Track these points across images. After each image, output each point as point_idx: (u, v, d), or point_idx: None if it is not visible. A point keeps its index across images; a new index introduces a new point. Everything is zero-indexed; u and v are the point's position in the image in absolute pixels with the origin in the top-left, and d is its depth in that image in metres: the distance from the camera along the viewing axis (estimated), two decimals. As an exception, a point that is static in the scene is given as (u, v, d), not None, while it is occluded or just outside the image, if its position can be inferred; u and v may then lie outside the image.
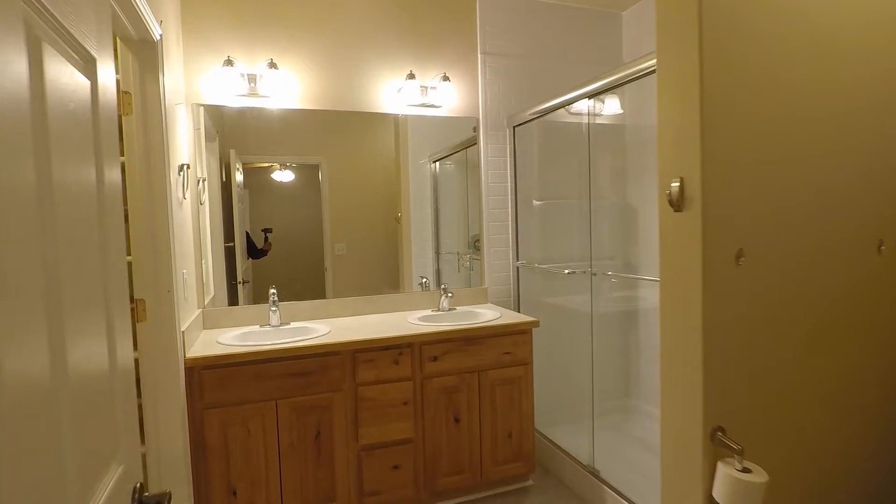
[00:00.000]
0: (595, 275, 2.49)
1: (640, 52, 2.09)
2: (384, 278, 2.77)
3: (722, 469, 1.36)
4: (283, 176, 2.60)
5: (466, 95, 2.86)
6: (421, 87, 2.71)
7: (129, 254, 1.77)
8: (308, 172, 2.64)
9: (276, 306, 2.40)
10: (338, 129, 2.65)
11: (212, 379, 1.95)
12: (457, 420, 2.32)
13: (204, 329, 2.38)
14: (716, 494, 1.37)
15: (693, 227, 1.37)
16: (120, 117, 1.76)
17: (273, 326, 2.39)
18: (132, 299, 1.77)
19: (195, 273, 2.34)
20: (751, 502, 1.32)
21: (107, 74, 0.86)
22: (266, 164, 2.57)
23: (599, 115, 2.98)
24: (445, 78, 2.70)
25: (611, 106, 2.99)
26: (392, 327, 2.34)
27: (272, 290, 2.41)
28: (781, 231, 1.48)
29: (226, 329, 2.38)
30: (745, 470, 1.34)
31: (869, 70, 1.61)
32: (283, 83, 2.46)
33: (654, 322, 3.06)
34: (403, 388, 2.21)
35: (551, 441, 2.72)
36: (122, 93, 1.72)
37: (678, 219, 1.42)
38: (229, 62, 2.34)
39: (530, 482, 2.53)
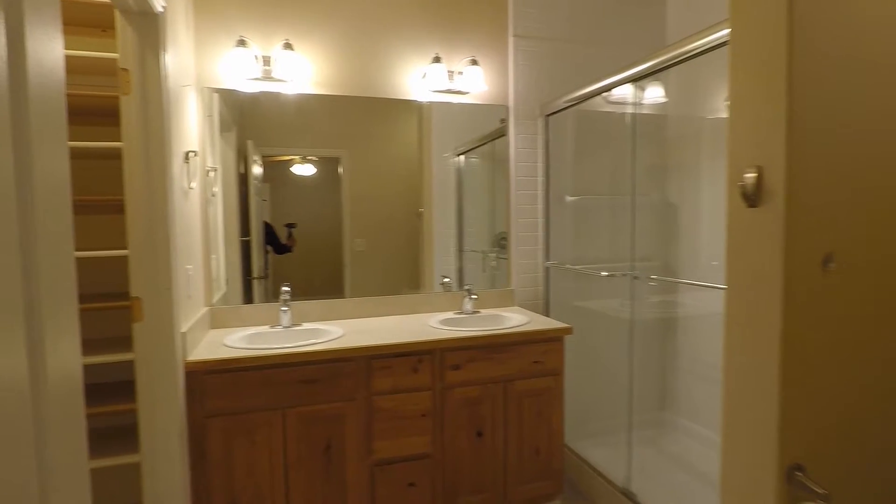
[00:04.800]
0: (637, 278, 2.26)
1: (685, 34, 1.88)
2: (404, 277, 2.59)
3: (802, 517, 1.14)
4: (304, 169, 2.45)
5: (496, 81, 2.65)
6: (448, 71, 2.51)
7: (125, 248, 1.62)
8: (328, 165, 2.48)
9: (288, 306, 2.24)
10: (359, 119, 2.48)
11: (215, 385, 1.80)
12: (480, 434, 2.12)
13: (211, 329, 2.24)
14: (793, 546, 1.14)
15: (772, 225, 1.15)
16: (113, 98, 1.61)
17: (284, 327, 2.23)
18: (128, 298, 1.62)
19: (202, 268, 2.19)
20: (839, 560, 1.09)
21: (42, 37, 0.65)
22: (286, 157, 2.42)
23: (640, 104, 2.74)
24: (474, 62, 2.49)
25: (651, 94, 2.74)
26: (411, 331, 2.15)
27: (284, 288, 2.25)
28: (877, 233, 1.24)
29: (234, 329, 2.23)
30: (832, 520, 1.11)
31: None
32: (299, 66, 2.29)
33: (693, 330, 2.81)
34: (422, 398, 2.03)
35: (581, 457, 2.50)
36: (119, 69, 1.57)
37: (753, 216, 1.19)
38: (242, 43, 2.18)
39: (557, 503, 2.32)
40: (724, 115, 2.71)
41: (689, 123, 2.80)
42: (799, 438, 1.20)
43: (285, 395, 1.87)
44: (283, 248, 2.43)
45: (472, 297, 2.48)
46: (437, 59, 2.44)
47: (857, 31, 1.17)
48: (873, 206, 1.22)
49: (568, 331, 2.21)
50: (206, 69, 2.23)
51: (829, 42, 1.14)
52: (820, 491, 1.15)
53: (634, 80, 2.12)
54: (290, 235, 2.43)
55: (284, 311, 2.23)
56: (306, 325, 2.28)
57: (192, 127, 2.08)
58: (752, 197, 1.21)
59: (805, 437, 1.21)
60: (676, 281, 2.76)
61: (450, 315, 2.47)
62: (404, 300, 2.54)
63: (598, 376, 2.80)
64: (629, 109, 2.57)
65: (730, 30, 1.27)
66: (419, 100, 2.54)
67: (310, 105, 2.41)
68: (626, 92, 2.58)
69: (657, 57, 1.94)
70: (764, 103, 1.18)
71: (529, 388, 2.18)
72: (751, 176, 1.20)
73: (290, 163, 2.45)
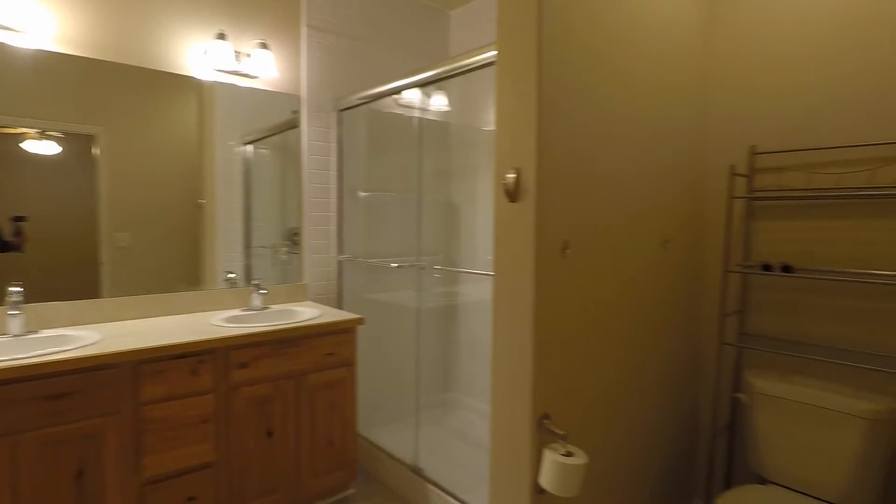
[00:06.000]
0: (423, 269, 2.44)
1: (464, 50, 2.13)
2: (181, 273, 2.32)
3: (547, 455, 1.39)
4: (42, 147, 1.98)
5: (288, 70, 2.57)
6: (235, 51, 2.34)
7: None
8: (79, 144, 2.06)
9: (20, 309, 1.81)
10: (122, 92, 2.13)
11: None
12: (269, 434, 2.04)
13: None
14: (542, 480, 1.40)
15: (527, 217, 1.38)
16: None
17: (14, 336, 1.80)
18: None
19: None
20: (572, 483, 1.37)
21: None
22: (15, 130, 1.93)
23: (427, 111, 2.97)
24: (263, 45, 2.38)
25: (437, 102, 3.00)
26: (190, 330, 1.95)
27: (14, 289, 1.81)
28: (597, 228, 1.59)
29: (-68, 342, 1.72)
30: (568, 454, 1.39)
31: (665, 100, 1.83)
32: (36, 15, 1.87)
33: (473, 315, 3.17)
34: (204, 402, 1.86)
35: (374, 444, 2.59)
36: None
37: (513, 209, 1.42)
38: (-55, -28, 1.69)
39: (352, 491, 2.37)
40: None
41: (468, 132, 3.14)
42: (546, 394, 1.47)
43: (17, 418, 1.51)
44: (8, 247, 1.94)
45: (262, 292, 2.36)
46: (221, 36, 2.26)
47: (590, 74, 1.48)
48: (592, 207, 1.57)
49: (359, 321, 2.27)
50: None
51: (569, 79, 1.43)
52: (560, 433, 1.43)
53: (420, 85, 2.28)
54: (17, 231, 1.95)
55: (14, 315, 1.80)
56: (48, 332, 1.88)
57: None
58: (513, 193, 1.43)
59: (551, 391, 1.48)
60: (456, 270, 3.06)
61: (236, 312, 2.31)
62: (182, 298, 2.28)
63: (389, 364, 2.94)
64: (416, 114, 2.77)
65: (497, 52, 1.48)
66: (200, 78, 2.31)
67: (53, 66, 1.98)
68: (414, 97, 2.77)
69: (444, 65, 2.13)
70: (521, 116, 1.41)
71: (322, 380, 2.18)
72: (511, 176, 1.42)
73: (20, 137, 1.96)
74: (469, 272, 2.91)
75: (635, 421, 1.84)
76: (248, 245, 2.55)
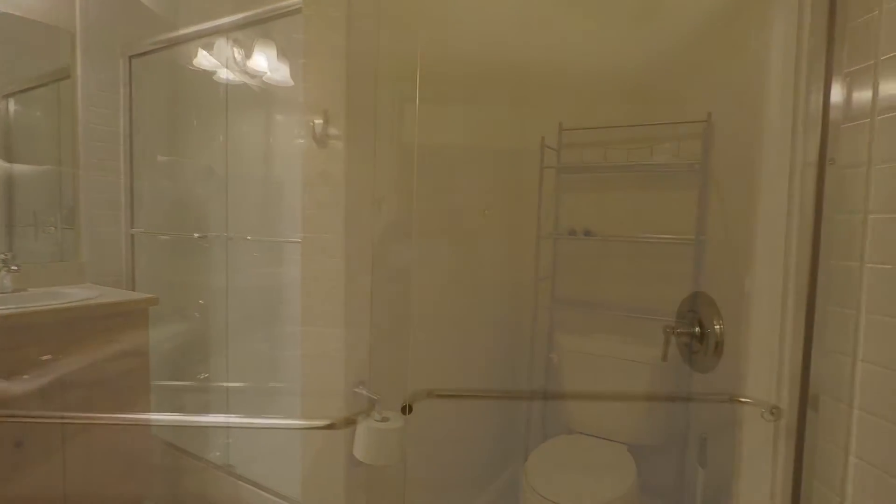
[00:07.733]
0: (231, 239, 2.17)
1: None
2: None
3: (361, 424, 1.30)
4: None
5: (51, -6, 2.06)
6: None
7: None
8: None
9: None
10: None
11: None
12: (18, 444, 1.61)
13: None
14: (356, 451, 1.30)
15: (337, 164, 1.26)
16: None
17: None
18: None
19: None
20: (390, 449, 1.29)
21: None
22: None
23: (246, 73, 2.66)
24: (10, -44, 1.88)
25: (256, 64, 2.71)
26: None
27: None
28: (418, 188, 1.54)
29: None
30: (384, 419, 1.31)
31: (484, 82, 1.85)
32: None
33: (296, 296, 2.93)
34: None
35: (177, 447, 2.24)
36: None
37: (322, 155, 1.29)
38: None
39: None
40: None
41: (294, 110, 2.89)
42: (360, 362, 1.37)
43: None
44: None
45: (12, 268, 1.86)
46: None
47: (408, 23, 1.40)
48: (405, 166, 1.51)
49: (152, 301, 1.92)
50: None
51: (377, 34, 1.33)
52: (374, 397, 1.34)
53: (228, 30, 2.03)
54: None
55: None
56: None
57: None
58: (321, 138, 1.31)
59: (364, 360, 1.39)
60: (267, 240, 2.77)
61: (-30, 297, 1.79)
62: None
63: (195, 355, 2.57)
64: (233, 76, 2.46)
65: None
66: None
67: None
68: (226, 52, 2.45)
69: (258, 7, 1.90)
70: (330, 58, 1.28)
71: (101, 374, 1.79)
72: (319, 121, 1.29)
73: None
74: (283, 241, 2.66)
75: (462, 385, 1.85)
76: (8, 223, 2.01)
